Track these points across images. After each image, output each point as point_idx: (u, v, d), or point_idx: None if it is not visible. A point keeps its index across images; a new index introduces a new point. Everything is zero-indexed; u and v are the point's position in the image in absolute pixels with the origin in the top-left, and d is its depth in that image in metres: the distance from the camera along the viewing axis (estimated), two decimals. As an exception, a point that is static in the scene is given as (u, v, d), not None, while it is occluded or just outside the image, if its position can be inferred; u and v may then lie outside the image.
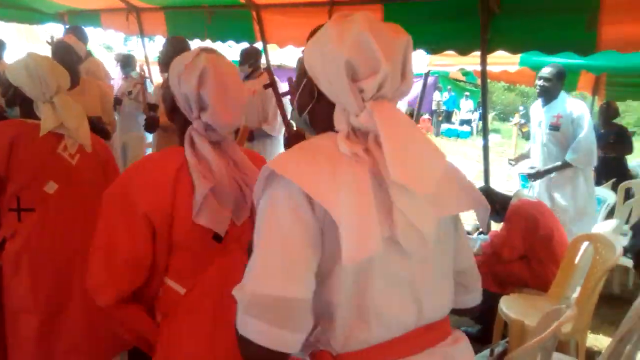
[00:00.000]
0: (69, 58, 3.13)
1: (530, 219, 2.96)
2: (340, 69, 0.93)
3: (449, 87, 17.97)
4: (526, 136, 13.40)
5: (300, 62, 1.05)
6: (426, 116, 17.60)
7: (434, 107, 17.27)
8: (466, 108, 18.47)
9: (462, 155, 12.03)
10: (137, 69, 5.39)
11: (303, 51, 1.04)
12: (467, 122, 18.00)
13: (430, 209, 0.95)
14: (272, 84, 2.46)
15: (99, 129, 3.03)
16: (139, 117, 4.66)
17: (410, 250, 0.94)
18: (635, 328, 1.83)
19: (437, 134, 16.71)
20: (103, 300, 1.33)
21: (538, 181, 4.00)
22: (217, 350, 1.36)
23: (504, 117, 20.54)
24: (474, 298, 1.20)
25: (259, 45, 4.90)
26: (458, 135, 16.62)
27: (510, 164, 4.63)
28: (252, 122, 3.75)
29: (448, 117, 17.97)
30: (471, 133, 17.32)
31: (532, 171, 3.96)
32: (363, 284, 0.93)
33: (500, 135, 16.85)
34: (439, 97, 17.37)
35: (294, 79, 1.19)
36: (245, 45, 4.65)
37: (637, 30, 2.89)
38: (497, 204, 3.17)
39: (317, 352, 0.97)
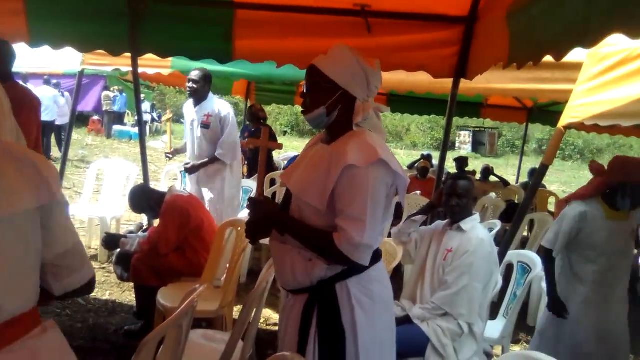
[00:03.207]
0: None
1: (183, 212, 3.19)
2: None
3: (119, 87, 17.34)
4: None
5: None
6: (96, 117, 16.72)
7: (105, 108, 16.45)
8: (143, 110, 18.14)
9: (134, 156, 11.88)
10: None
11: None
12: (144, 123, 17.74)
13: None
14: None
15: None
16: None
17: None
18: (255, 296, 2.20)
19: (108, 136, 16.04)
20: None
21: (191, 177, 4.38)
22: None
23: (177, 118, 21.11)
24: (82, 276, 1.24)
25: None
26: (131, 136, 16.25)
27: (168, 157, 4.90)
28: None
29: (120, 118, 17.39)
30: (145, 134, 17.14)
31: (188, 166, 4.31)
32: None
33: (174, 136, 17.14)
34: (109, 98, 16.61)
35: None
36: None
37: (262, 44, 3.43)
38: (152, 202, 3.31)
39: None
